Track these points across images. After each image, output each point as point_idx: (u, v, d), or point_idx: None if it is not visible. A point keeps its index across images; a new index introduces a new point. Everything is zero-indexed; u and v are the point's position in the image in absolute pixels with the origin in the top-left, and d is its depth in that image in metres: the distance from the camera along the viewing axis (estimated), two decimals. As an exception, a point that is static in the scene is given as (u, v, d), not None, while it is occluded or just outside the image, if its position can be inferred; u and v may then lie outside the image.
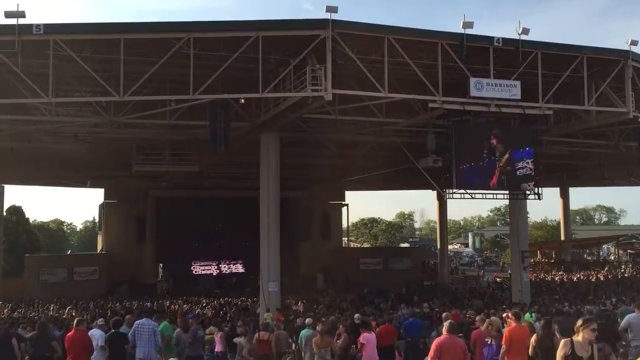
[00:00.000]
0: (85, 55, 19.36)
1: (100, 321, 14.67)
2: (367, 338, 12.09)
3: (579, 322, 7.33)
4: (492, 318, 11.46)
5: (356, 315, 16.73)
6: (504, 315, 11.52)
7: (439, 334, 10.59)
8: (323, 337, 12.21)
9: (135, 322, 13.57)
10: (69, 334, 12.29)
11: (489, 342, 10.50)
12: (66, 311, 25.74)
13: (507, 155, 23.48)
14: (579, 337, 7.16)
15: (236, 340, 14.55)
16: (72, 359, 11.70)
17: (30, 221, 59.65)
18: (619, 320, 12.57)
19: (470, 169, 23.31)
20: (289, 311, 23.03)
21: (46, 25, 18.40)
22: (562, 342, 7.26)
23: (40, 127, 23.86)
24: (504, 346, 9.54)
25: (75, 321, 12.82)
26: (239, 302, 28.64)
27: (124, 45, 18.69)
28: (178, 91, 21.26)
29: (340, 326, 13.80)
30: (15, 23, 18.04)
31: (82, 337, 12.06)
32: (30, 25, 18.25)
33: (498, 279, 45.25)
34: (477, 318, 12.75)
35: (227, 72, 19.98)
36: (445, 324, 9.59)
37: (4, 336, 12.69)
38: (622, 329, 11.59)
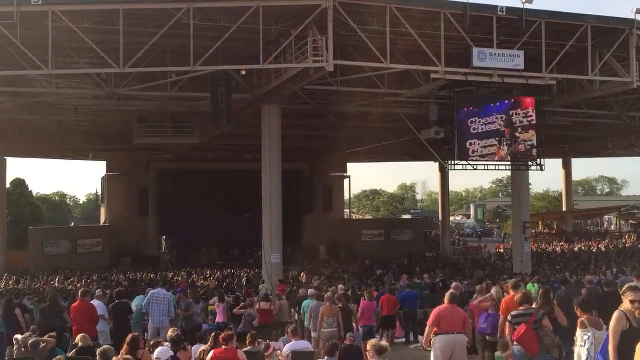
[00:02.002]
0: (84, 27, 19.18)
1: (98, 292, 14.84)
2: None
3: (625, 288, 6.36)
4: (493, 289, 11.56)
5: (340, 286, 16.93)
6: (505, 285, 11.62)
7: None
8: (331, 306, 12.35)
9: (151, 292, 13.81)
10: (75, 304, 12.45)
11: (489, 312, 10.65)
12: (68, 282, 26.03)
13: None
14: (627, 307, 6.01)
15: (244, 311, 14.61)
16: (78, 329, 11.85)
17: (34, 194, 59.89)
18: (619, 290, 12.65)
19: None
20: (297, 282, 23.28)
21: (45, -4, 18.21)
22: (617, 315, 6.04)
23: (41, 99, 23.80)
24: (501, 316, 9.62)
25: (80, 292, 12.97)
26: (242, 274, 28.86)
27: (124, 15, 18.50)
28: (179, 63, 21.14)
29: (337, 296, 13.94)
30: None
31: (88, 307, 12.23)
32: (29, -4, 18.06)
33: (500, 250, 45.50)
34: (477, 288, 12.90)
35: (228, 43, 19.83)
36: (447, 294, 9.71)
37: (8, 307, 12.85)
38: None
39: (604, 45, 22.56)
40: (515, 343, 8.35)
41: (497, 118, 23.29)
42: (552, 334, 8.41)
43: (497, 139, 23.32)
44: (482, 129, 23.14)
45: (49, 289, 21.96)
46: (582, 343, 7.33)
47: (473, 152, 23.10)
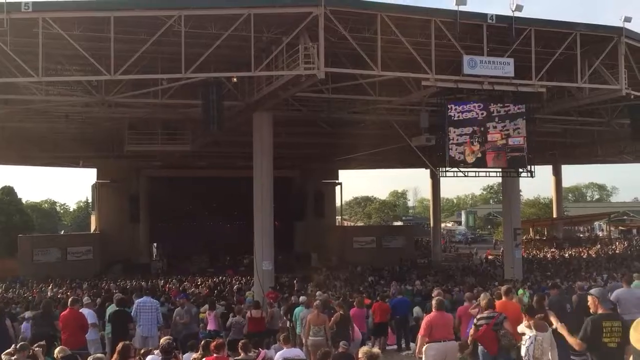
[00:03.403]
0: (75, 34, 19.12)
1: (85, 299, 14.71)
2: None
3: None
4: (482, 296, 11.64)
5: (317, 293, 16.94)
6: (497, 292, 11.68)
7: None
8: (319, 315, 12.32)
9: (137, 301, 13.69)
10: (64, 312, 12.33)
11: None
12: (57, 290, 25.84)
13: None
14: None
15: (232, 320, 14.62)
16: (67, 338, 11.76)
17: (23, 201, 59.54)
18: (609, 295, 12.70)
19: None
20: (291, 289, 23.26)
21: (35, 3, 18.13)
22: None
23: (31, 106, 23.67)
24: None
25: (70, 300, 12.85)
26: (233, 281, 28.77)
27: (114, 23, 18.48)
28: (170, 70, 21.09)
29: (337, 303, 13.95)
30: (4, 0, 17.78)
31: (77, 316, 12.11)
32: (18, 3, 17.98)
33: (490, 257, 45.62)
34: (466, 295, 12.99)
35: (219, 51, 19.84)
36: (433, 301, 9.77)
37: (-2, 316, 12.70)
38: (612, 304, 11.69)
39: (593, 53, 22.75)
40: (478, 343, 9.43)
41: (474, 106, 23.08)
42: (511, 335, 9.32)
43: (472, 129, 22.94)
44: (458, 116, 22.90)
45: (37, 298, 21.80)
46: (524, 342, 8.38)
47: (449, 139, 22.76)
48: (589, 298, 7.08)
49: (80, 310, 12.57)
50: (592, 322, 6.76)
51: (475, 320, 9.62)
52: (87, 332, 12.18)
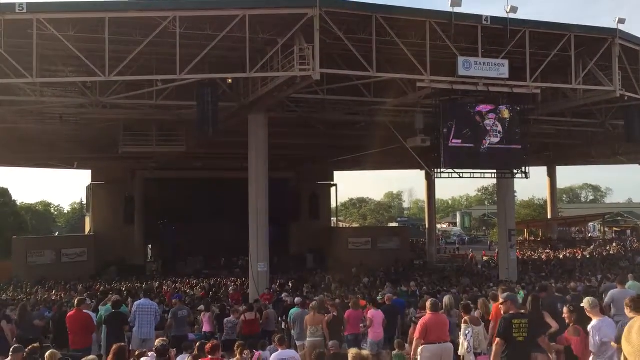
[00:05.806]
0: (69, 35, 19.09)
1: (87, 302, 14.68)
2: (373, 314, 12.62)
3: None
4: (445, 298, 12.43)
5: (297, 299, 16.99)
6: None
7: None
8: (315, 315, 12.36)
9: (136, 303, 13.67)
10: (70, 313, 12.32)
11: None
12: (53, 292, 25.69)
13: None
14: None
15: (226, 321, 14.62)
16: (74, 338, 11.77)
17: (18, 203, 59.35)
18: (603, 297, 12.72)
19: (459, 148, 23.17)
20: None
21: (29, 4, 18.10)
22: None
23: (25, 107, 23.59)
24: (492, 322, 9.80)
25: (76, 301, 12.83)
26: (229, 282, 28.72)
27: (109, 24, 18.45)
28: (165, 71, 21.06)
29: (331, 304, 13.97)
30: (-2, 2, 17.76)
31: (84, 316, 12.12)
32: (12, 4, 17.95)
33: (485, 258, 45.69)
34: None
35: (214, 52, 19.84)
36: (428, 303, 9.78)
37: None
38: (606, 305, 11.69)
39: (588, 55, 22.84)
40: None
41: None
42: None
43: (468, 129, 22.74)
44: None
45: (32, 300, 21.70)
46: (464, 337, 9.26)
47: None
48: (502, 302, 8.22)
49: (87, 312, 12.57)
50: (504, 320, 7.82)
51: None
52: (93, 332, 12.20)
